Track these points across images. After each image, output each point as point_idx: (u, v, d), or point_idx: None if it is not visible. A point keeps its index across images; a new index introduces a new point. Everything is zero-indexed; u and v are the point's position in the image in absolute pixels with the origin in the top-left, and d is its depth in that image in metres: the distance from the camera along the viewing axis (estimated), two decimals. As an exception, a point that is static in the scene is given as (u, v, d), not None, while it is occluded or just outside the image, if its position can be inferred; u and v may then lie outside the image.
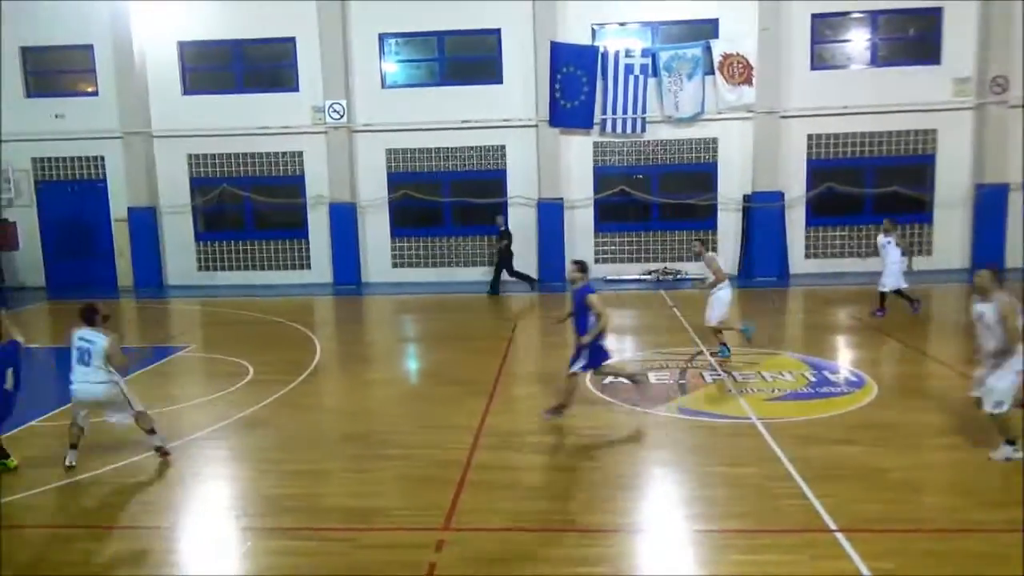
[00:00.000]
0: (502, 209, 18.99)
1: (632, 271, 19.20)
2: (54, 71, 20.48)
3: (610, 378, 9.55)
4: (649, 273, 19.01)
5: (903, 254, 13.36)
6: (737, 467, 7.12)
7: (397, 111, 19.29)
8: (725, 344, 11.14)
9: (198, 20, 19.42)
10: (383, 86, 19.51)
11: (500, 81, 19.13)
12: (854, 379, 9.96)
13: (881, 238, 13.62)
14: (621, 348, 11.81)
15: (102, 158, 20.17)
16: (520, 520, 6.22)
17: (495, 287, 17.75)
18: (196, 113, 19.68)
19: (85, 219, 20.34)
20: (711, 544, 5.76)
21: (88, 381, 7.48)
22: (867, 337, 12.56)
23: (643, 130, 18.80)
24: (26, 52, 20.00)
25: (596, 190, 19.29)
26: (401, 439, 8.24)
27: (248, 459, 7.95)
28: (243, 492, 7.11)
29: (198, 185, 20.14)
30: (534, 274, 18.31)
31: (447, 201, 19.67)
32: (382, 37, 19.28)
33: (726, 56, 18.32)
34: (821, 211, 19.02)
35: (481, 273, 19.30)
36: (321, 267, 20.03)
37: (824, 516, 6.02)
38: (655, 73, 18.55)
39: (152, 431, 7.77)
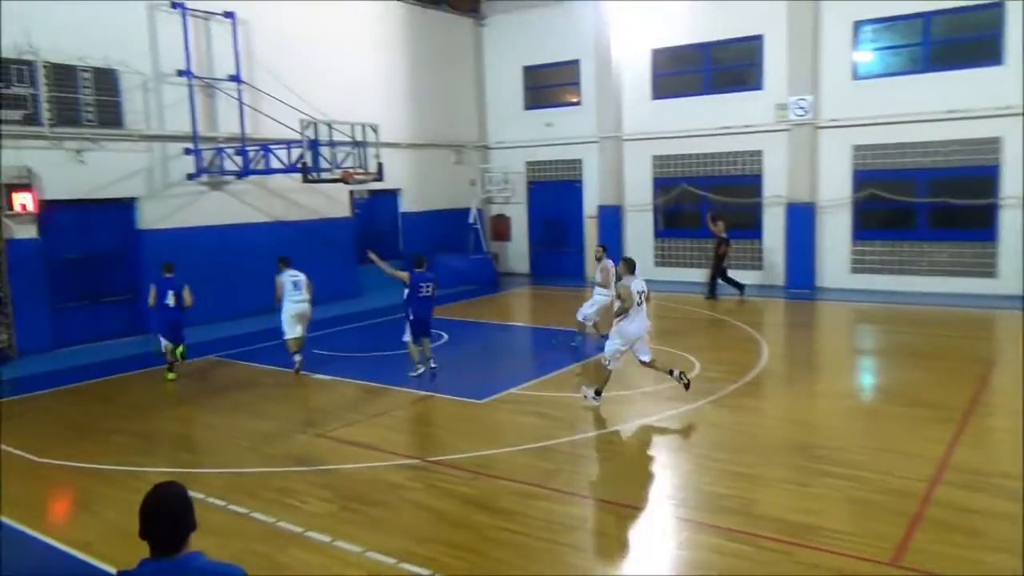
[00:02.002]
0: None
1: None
2: (547, 85, 23.42)
3: None
4: None
5: None
6: None
7: (869, 104, 17.86)
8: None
9: (670, 28, 20.39)
10: (854, 77, 18.23)
11: (1000, 62, 16.44)
12: None
13: None
14: None
15: (581, 161, 22.52)
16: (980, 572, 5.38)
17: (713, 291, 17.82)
18: (662, 116, 20.74)
19: (562, 215, 22.94)
20: None
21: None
22: None
23: None
24: (526, 71, 23.26)
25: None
26: (847, 458, 7.70)
27: (689, 452, 8.20)
28: (682, 483, 7.37)
29: (660, 185, 21.24)
30: None
31: (922, 202, 17.64)
32: (857, 24, 18.00)
33: None
34: None
35: (953, 284, 16.97)
36: (774, 268, 19.60)
37: None
38: None
39: None
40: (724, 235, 18.12)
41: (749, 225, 19.96)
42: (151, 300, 11.70)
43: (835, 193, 18.59)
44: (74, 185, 14.15)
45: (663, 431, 8.83)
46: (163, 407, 10.66)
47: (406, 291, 11.17)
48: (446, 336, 14.30)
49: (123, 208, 15.09)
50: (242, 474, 7.79)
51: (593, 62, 21.57)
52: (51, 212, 13.80)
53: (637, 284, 9.73)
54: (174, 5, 15.41)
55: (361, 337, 15.02)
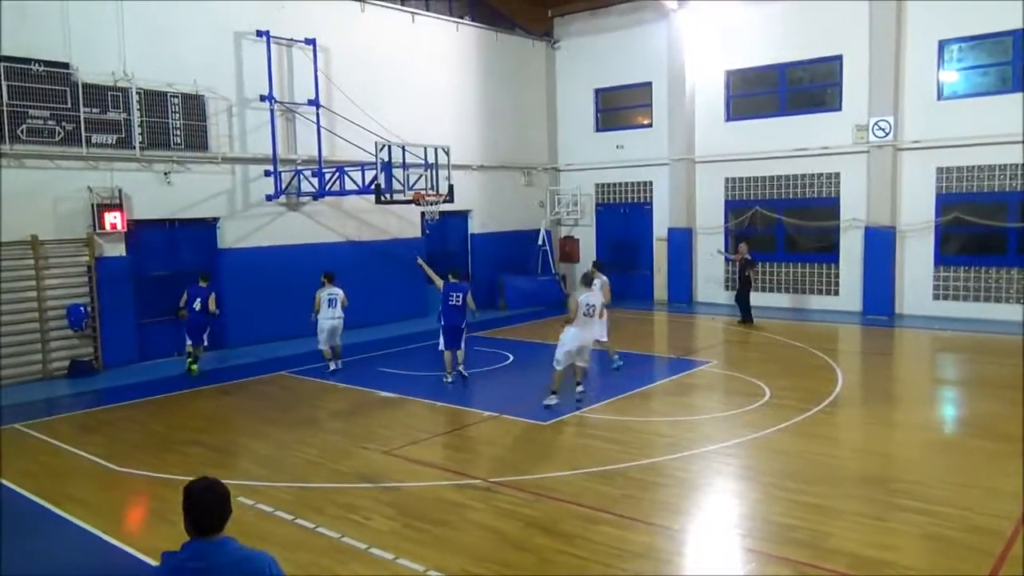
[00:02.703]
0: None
1: None
2: (618, 108, 23.40)
3: None
4: None
5: None
6: None
7: (954, 125, 17.23)
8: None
9: (746, 49, 20.16)
10: (939, 98, 17.63)
11: (1098, 82, 15.68)
12: None
13: None
14: None
15: (651, 183, 22.37)
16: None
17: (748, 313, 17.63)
18: (736, 138, 20.46)
19: (632, 237, 22.79)
20: None
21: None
22: None
23: None
24: (598, 93, 23.30)
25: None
26: (926, 492, 7.37)
27: (757, 481, 7.98)
28: (750, 512, 7.18)
29: (732, 207, 20.90)
30: None
31: (1012, 227, 16.86)
32: (942, 44, 17.43)
33: None
34: None
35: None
36: (851, 294, 19.00)
37: None
38: None
39: None
40: (748, 256, 17.89)
41: (826, 249, 19.45)
42: (182, 303, 13.36)
43: (917, 217, 17.96)
44: (161, 205, 14.83)
45: (732, 458, 8.62)
46: (238, 421, 11.00)
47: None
48: (511, 357, 14.35)
49: (206, 227, 15.72)
50: (310, 489, 7.95)
51: (665, 84, 21.47)
52: (139, 231, 14.49)
53: (586, 297, 10.71)
54: (259, 33, 16.06)
55: (428, 356, 15.16)
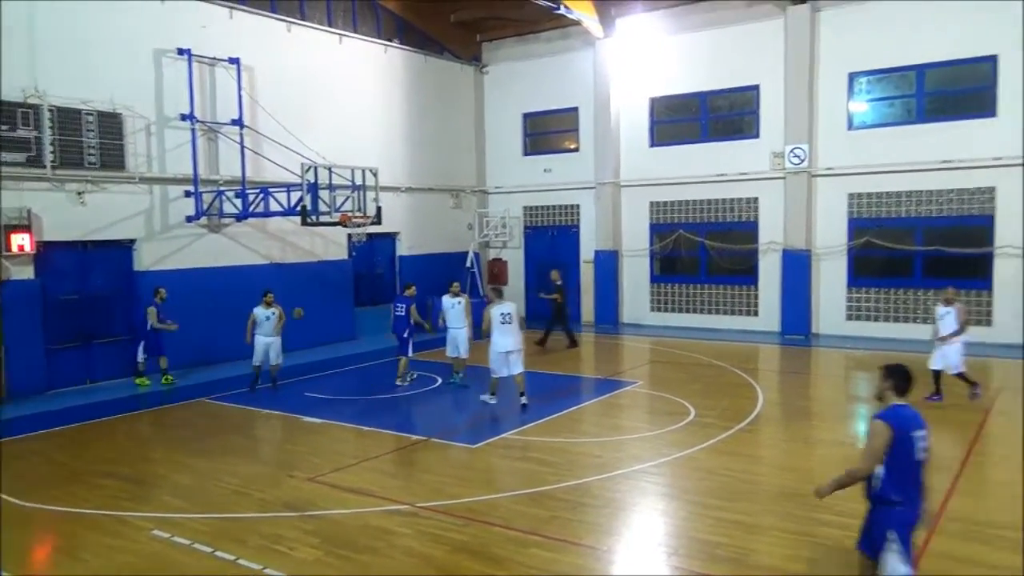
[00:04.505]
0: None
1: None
2: (546, 132, 23.71)
3: None
4: None
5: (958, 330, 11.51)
6: None
7: (864, 153, 18.09)
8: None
9: (668, 77, 20.73)
10: (849, 127, 18.49)
11: (993, 114, 16.69)
12: None
13: (940, 308, 11.88)
14: None
15: (578, 206, 22.69)
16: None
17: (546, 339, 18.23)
18: (660, 163, 20.98)
19: (559, 260, 22.99)
20: None
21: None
22: None
23: None
24: (526, 117, 23.57)
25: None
26: (844, 506, 7.55)
27: (683, 499, 8.10)
28: (676, 531, 7.27)
29: (656, 231, 21.37)
30: None
31: (917, 250, 17.74)
32: (852, 76, 18.31)
33: None
34: None
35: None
36: (770, 315, 19.62)
37: None
38: None
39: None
40: (559, 283, 18.47)
41: (746, 271, 20.05)
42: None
43: (831, 240, 18.71)
44: (74, 226, 14.22)
45: (659, 477, 8.74)
46: (153, 451, 10.57)
47: None
48: (439, 380, 14.26)
49: (122, 249, 15.15)
50: (230, 519, 7.69)
51: (592, 109, 21.87)
52: (49, 253, 13.84)
53: (499, 308, 11.93)
54: (180, 51, 15.68)
55: (356, 380, 14.96)
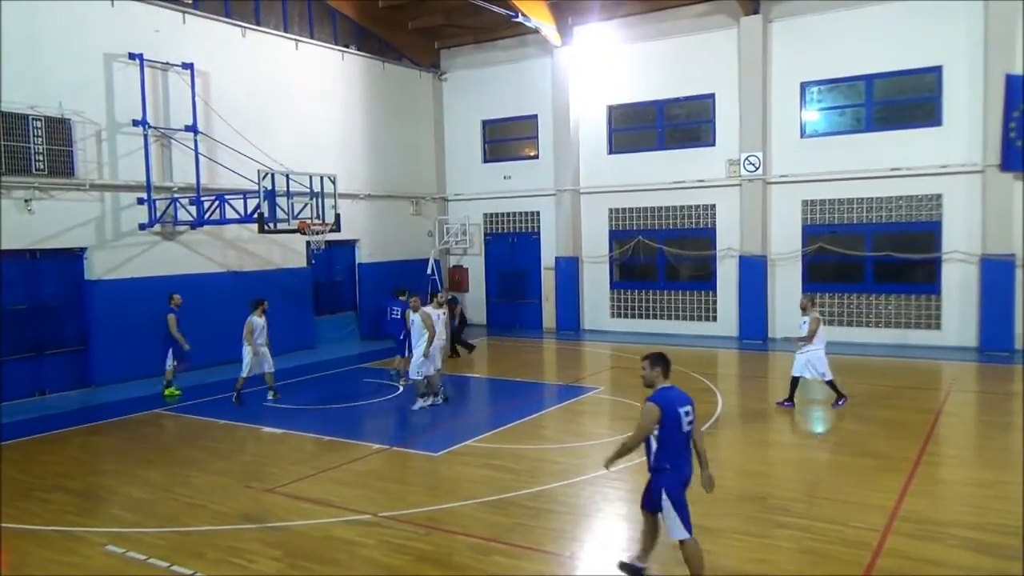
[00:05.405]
0: (937, 265, 17.11)
1: None
2: (506, 139, 23.77)
3: None
4: None
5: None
6: None
7: (816, 161, 18.50)
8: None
9: (626, 85, 20.96)
10: (802, 136, 18.88)
11: (939, 123, 17.20)
12: None
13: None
14: None
15: (538, 213, 22.78)
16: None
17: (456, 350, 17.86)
18: (619, 170, 21.18)
19: (520, 267, 23.09)
20: None
21: None
22: None
23: None
24: (486, 124, 23.62)
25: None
26: (801, 508, 7.76)
27: (645, 504, 8.14)
28: (638, 536, 7.30)
29: (616, 237, 21.55)
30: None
31: (868, 256, 18.17)
32: (804, 85, 18.72)
33: None
34: None
35: (903, 336, 17.51)
36: (728, 320, 19.91)
37: None
38: None
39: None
40: (451, 296, 18.85)
41: (704, 277, 20.31)
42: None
43: (786, 246, 19.07)
44: (21, 235, 13.81)
45: (620, 483, 8.78)
46: (106, 463, 10.31)
47: None
48: (400, 388, 14.17)
49: (72, 258, 14.77)
50: (188, 533, 7.53)
51: (551, 117, 22.00)
52: (-4, 262, 13.45)
53: (434, 311, 13.27)
54: (132, 56, 15.38)
55: (316, 389, 14.79)
